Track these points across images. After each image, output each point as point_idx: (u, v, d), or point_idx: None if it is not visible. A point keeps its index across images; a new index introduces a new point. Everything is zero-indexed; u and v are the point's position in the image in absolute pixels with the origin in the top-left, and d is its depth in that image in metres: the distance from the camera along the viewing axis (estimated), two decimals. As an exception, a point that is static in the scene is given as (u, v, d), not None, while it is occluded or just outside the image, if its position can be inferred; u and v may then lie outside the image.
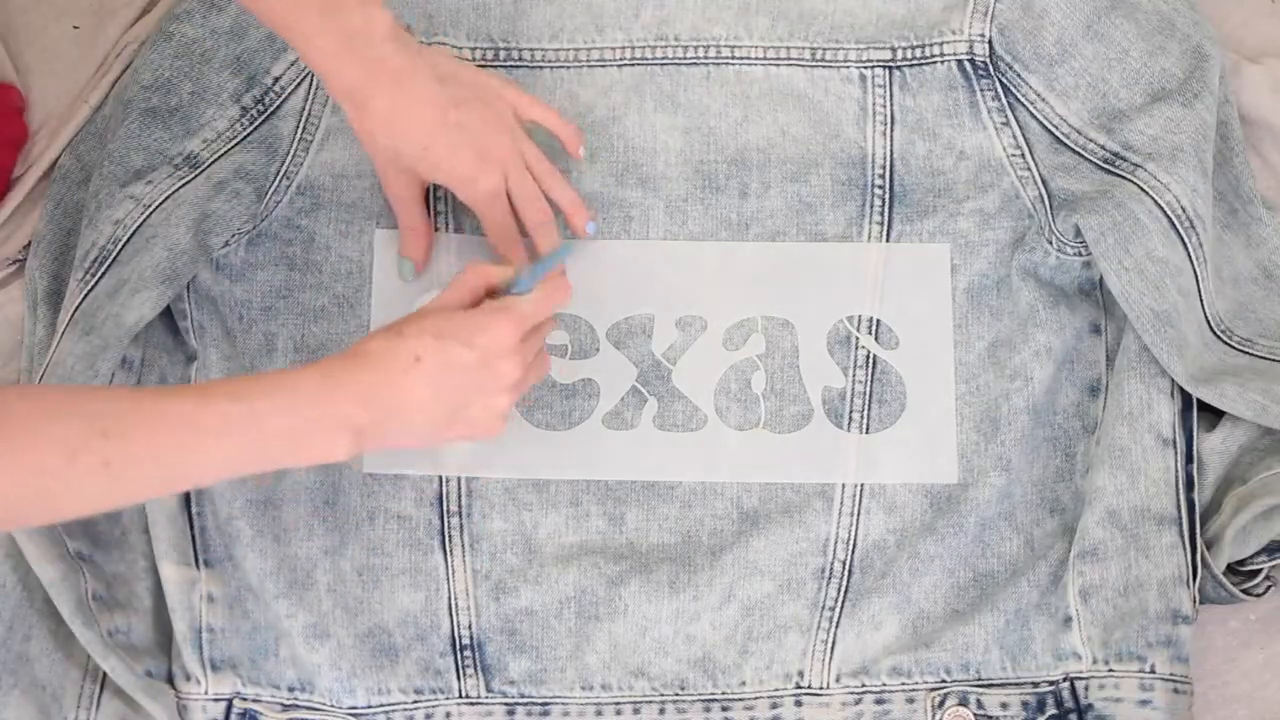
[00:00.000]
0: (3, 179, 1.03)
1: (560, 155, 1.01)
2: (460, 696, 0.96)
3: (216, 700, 0.95)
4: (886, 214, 1.02)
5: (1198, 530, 0.95)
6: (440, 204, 1.02)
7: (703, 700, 0.96)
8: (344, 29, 0.89)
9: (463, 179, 0.96)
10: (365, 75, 0.91)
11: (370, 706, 0.95)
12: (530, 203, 0.98)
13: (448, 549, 0.97)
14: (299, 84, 1.03)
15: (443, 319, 0.86)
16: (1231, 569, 0.95)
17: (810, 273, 1.01)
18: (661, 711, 0.96)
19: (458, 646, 0.96)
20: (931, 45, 1.02)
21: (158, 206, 0.98)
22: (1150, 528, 0.95)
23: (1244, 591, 0.95)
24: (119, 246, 0.97)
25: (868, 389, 1.00)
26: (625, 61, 1.04)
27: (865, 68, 1.03)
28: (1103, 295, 1.01)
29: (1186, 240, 0.96)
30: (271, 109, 1.02)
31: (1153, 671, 0.93)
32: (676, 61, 1.04)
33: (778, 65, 1.03)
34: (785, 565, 0.97)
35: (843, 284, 1.01)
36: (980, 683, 0.95)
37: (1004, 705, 0.94)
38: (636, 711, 0.96)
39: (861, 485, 0.98)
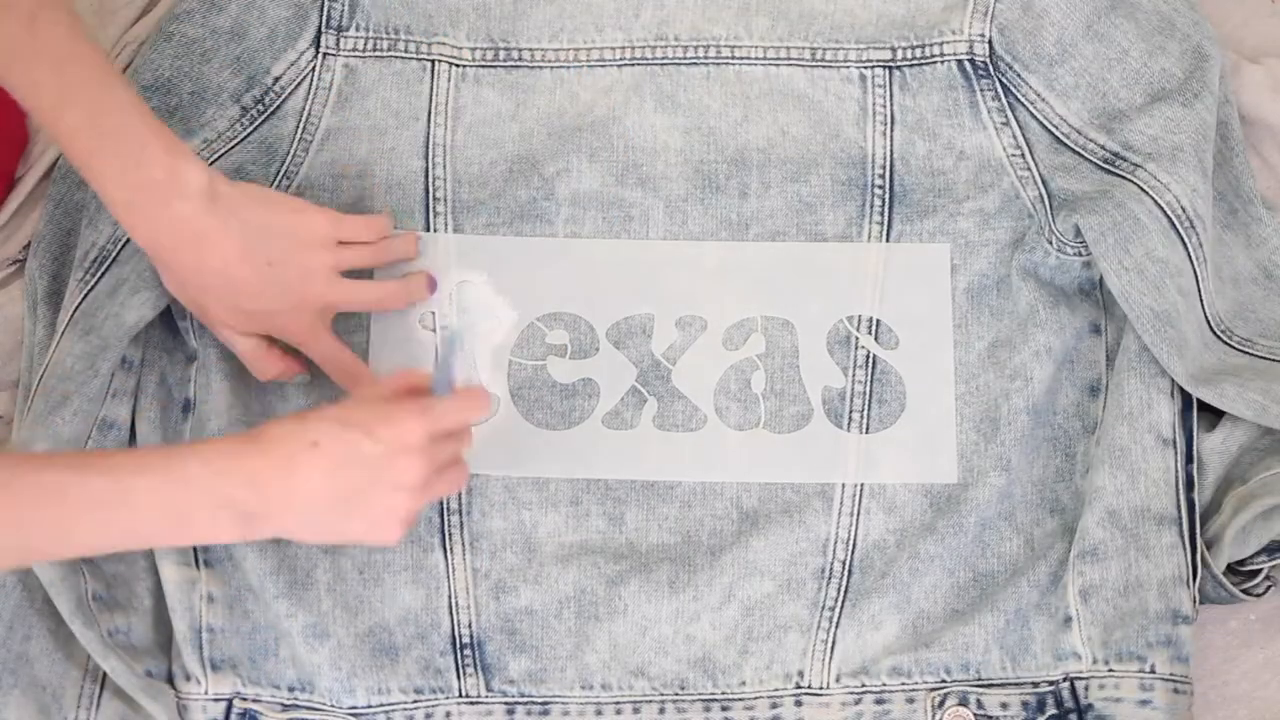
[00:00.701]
0: (5, 181, 1.03)
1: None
2: (460, 696, 0.96)
3: (216, 700, 0.95)
4: (886, 214, 1.02)
5: (1198, 530, 0.95)
6: (440, 204, 1.02)
7: (703, 700, 0.96)
8: (144, 183, 0.86)
9: (280, 329, 0.94)
10: (165, 234, 0.88)
11: (370, 706, 0.95)
12: (371, 303, 0.97)
13: (448, 548, 0.97)
14: (299, 84, 1.03)
15: (349, 408, 0.83)
16: (1231, 569, 0.95)
17: (810, 273, 1.01)
18: (661, 711, 0.96)
19: (458, 646, 0.96)
20: (931, 45, 1.02)
21: (158, 206, 0.98)
22: (1150, 528, 0.95)
23: (1244, 591, 0.95)
24: (119, 246, 0.97)
25: (868, 389, 1.00)
26: (625, 61, 1.04)
27: (865, 68, 1.03)
28: (1103, 295, 1.01)
29: (1186, 240, 0.96)
30: (271, 109, 1.02)
31: (1153, 671, 0.93)
32: (676, 61, 1.04)
33: (778, 65, 1.03)
34: (785, 565, 0.97)
35: (843, 284, 1.01)
36: (980, 683, 0.95)
37: (1004, 705, 0.94)
38: (636, 711, 0.96)
39: (861, 485, 0.98)
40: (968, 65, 1.02)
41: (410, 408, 0.83)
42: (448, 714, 0.96)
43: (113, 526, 0.78)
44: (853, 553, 0.97)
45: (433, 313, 1.01)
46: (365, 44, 1.04)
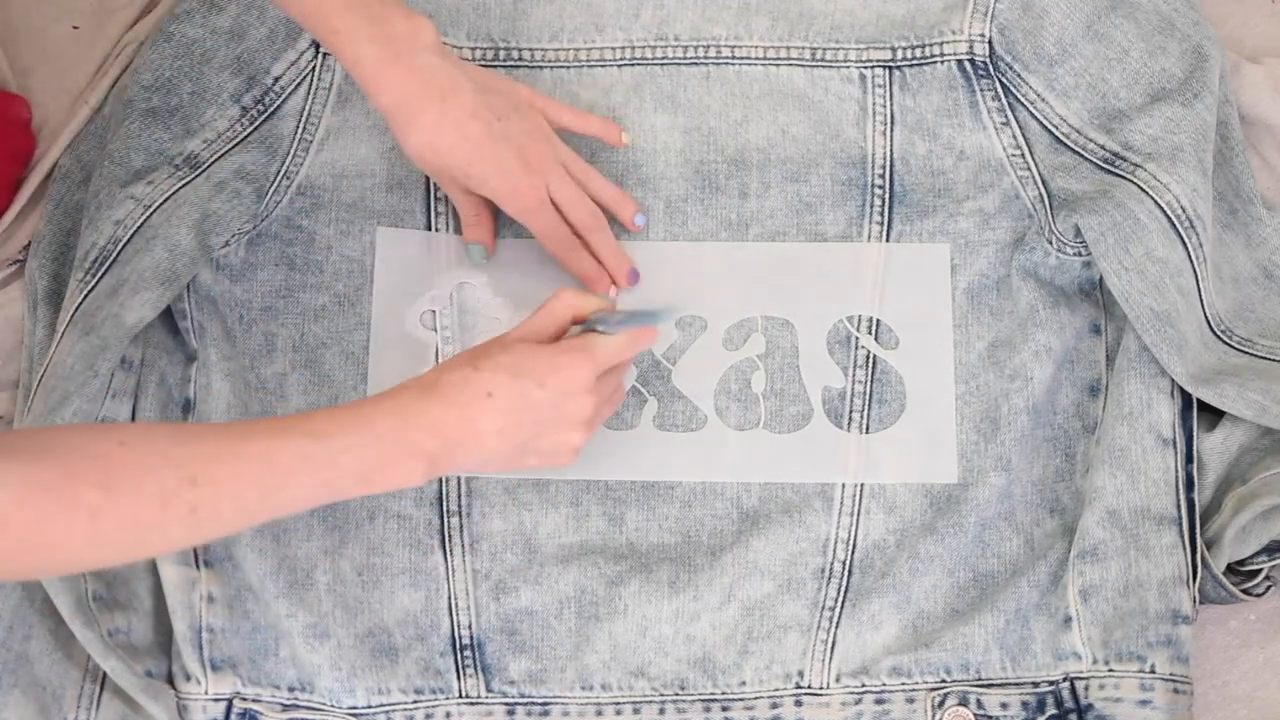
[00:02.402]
0: (9, 191, 1.03)
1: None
2: (460, 696, 0.96)
3: (216, 700, 0.95)
4: (886, 214, 1.02)
5: (1198, 530, 0.95)
6: (441, 204, 1.03)
7: (703, 700, 0.96)
8: (391, 38, 0.90)
9: (509, 193, 0.96)
10: (413, 88, 0.91)
11: (370, 706, 0.95)
12: (576, 206, 0.98)
13: (448, 549, 0.97)
14: (299, 84, 1.03)
15: (520, 354, 0.87)
16: (1231, 569, 0.95)
17: (810, 273, 1.01)
18: (661, 711, 0.96)
19: (458, 646, 0.96)
20: (931, 45, 1.02)
21: (158, 207, 0.98)
22: (1150, 528, 0.95)
23: (1244, 591, 0.95)
24: (119, 247, 0.97)
25: (867, 389, 1.00)
26: (625, 61, 1.04)
27: (865, 68, 1.03)
28: (1103, 295, 1.01)
29: (1186, 240, 0.96)
30: (272, 109, 1.02)
31: (1153, 671, 0.93)
32: (676, 61, 1.04)
33: (778, 65, 1.03)
34: (785, 565, 0.97)
35: (843, 284, 1.01)
36: (980, 683, 0.95)
37: (1004, 705, 0.94)
38: (636, 711, 0.96)
39: (861, 485, 0.98)
40: (968, 65, 1.02)
41: (577, 353, 0.87)
42: (448, 714, 0.96)
43: (317, 485, 0.81)
44: (853, 553, 0.97)
45: (433, 312, 1.01)
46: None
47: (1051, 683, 0.94)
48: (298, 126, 1.02)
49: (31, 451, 0.74)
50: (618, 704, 0.96)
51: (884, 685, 0.95)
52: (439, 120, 0.92)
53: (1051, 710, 0.94)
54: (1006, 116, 1.02)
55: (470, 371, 0.85)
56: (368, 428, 0.82)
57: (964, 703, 0.94)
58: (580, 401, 0.87)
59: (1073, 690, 0.94)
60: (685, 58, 1.04)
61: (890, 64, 1.03)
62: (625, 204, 1.01)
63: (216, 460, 0.78)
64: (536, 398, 0.86)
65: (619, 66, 1.04)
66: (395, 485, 0.84)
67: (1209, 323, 0.98)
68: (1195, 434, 0.96)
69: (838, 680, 0.95)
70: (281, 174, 1.02)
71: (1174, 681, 0.93)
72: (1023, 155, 1.02)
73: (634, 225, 1.01)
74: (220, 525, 0.79)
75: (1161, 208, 0.96)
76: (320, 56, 1.04)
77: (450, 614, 0.97)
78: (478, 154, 0.94)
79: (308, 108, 1.03)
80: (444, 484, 0.98)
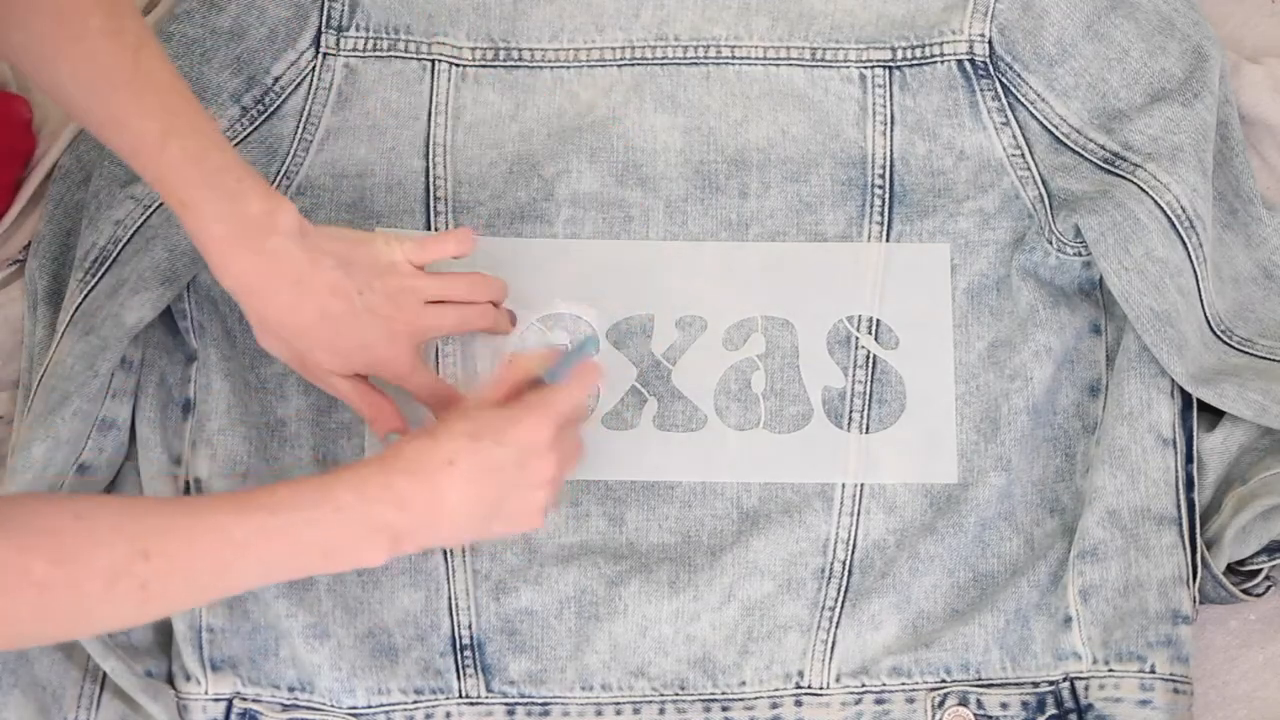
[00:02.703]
0: (9, 193, 1.03)
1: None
2: (460, 696, 0.96)
3: (216, 700, 0.95)
4: (886, 214, 1.02)
5: (1198, 530, 0.95)
6: (440, 204, 1.02)
7: (703, 700, 0.96)
8: (244, 216, 0.86)
9: (381, 364, 0.93)
10: (262, 272, 0.87)
11: (370, 706, 0.95)
12: (457, 324, 0.96)
13: (448, 550, 0.97)
14: (299, 84, 1.03)
15: (476, 418, 0.84)
16: (1231, 569, 0.95)
17: (810, 273, 1.01)
18: (661, 711, 0.96)
19: (458, 646, 0.96)
20: (931, 45, 1.02)
21: (158, 207, 0.98)
22: (1150, 528, 0.95)
23: (1244, 591, 0.95)
24: (119, 247, 0.97)
25: (867, 389, 1.00)
26: (625, 61, 1.04)
27: (865, 68, 1.03)
28: (1103, 295, 1.01)
29: (1186, 240, 0.96)
30: (271, 109, 1.02)
31: (1153, 671, 0.93)
32: (676, 61, 1.04)
33: (778, 65, 1.03)
34: (785, 565, 0.97)
35: (843, 284, 1.01)
36: (980, 683, 0.95)
37: (1004, 705, 0.94)
38: (636, 711, 0.96)
39: (861, 485, 0.98)
40: (968, 65, 1.02)
41: (533, 407, 0.86)
42: (448, 714, 0.96)
43: (274, 561, 0.79)
44: (853, 553, 0.97)
45: None
46: (365, 44, 1.04)
47: (1051, 683, 0.94)
48: (297, 127, 1.02)
49: None
50: (618, 704, 0.96)
51: (884, 685, 0.95)
52: (296, 303, 0.88)
53: (1051, 710, 0.94)
54: (1006, 116, 1.02)
55: (429, 442, 0.83)
56: (328, 500, 0.80)
57: (964, 703, 0.94)
58: (543, 459, 0.85)
59: (1073, 690, 0.94)
60: (685, 58, 1.04)
61: (890, 64, 1.03)
62: (494, 286, 0.98)
63: (170, 534, 0.76)
64: (498, 457, 0.83)
65: (619, 66, 1.04)
66: (358, 563, 0.81)
67: (1209, 323, 0.98)
68: (1195, 434, 0.97)
69: (838, 680, 0.95)
70: (281, 174, 1.02)
71: (1174, 681, 0.93)
72: (1023, 155, 1.02)
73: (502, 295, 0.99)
74: (172, 602, 0.78)
75: (1161, 208, 0.96)
76: (320, 56, 1.04)
77: (450, 614, 0.97)
78: (338, 332, 0.90)
79: (307, 108, 1.03)
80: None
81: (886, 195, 1.02)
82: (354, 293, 0.90)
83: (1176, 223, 0.96)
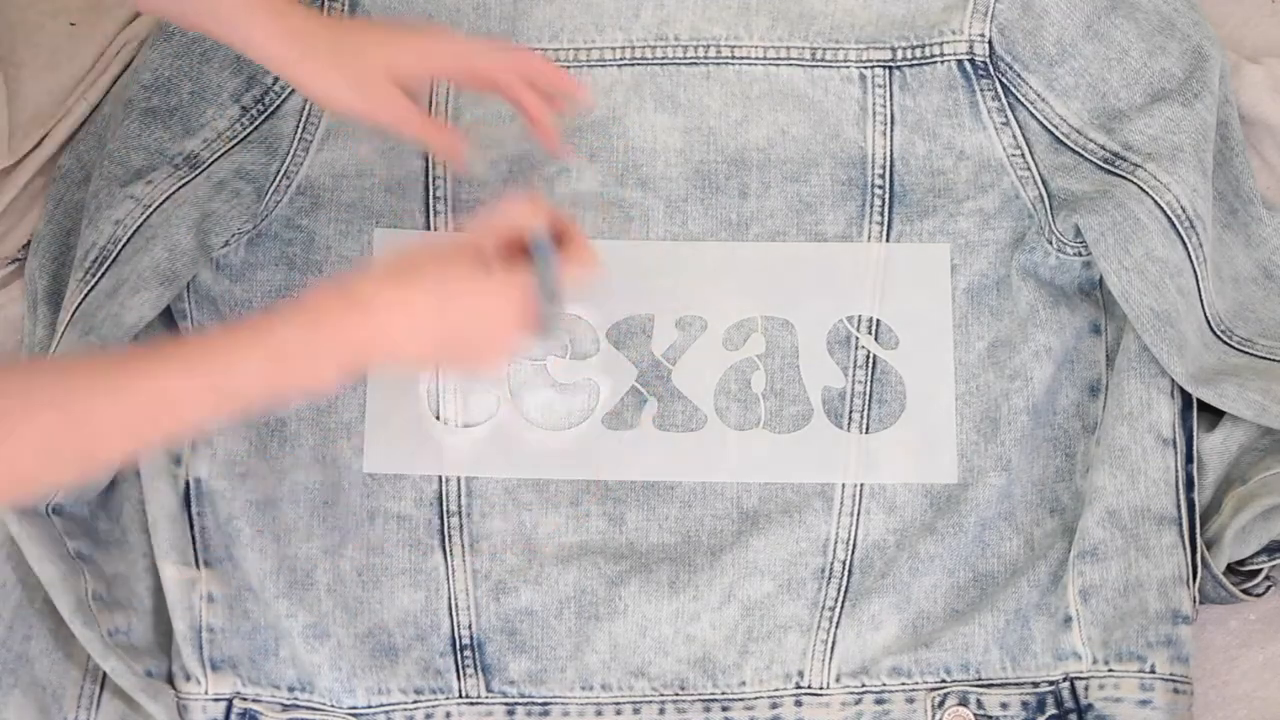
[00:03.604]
0: None
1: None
2: (460, 696, 0.96)
3: (216, 700, 0.95)
4: (886, 214, 1.02)
5: (1198, 530, 0.95)
6: (440, 204, 1.02)
7: (703, 700, 0.96)
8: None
9: (441, 36, 0.93)
10: (304, 23, 0.88)
11: (370, 706, 0.95)
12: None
13: (448, 549, 0.97)
14: (299, 84, 1.03)
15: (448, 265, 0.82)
16: (1231, 569, 0.95)
17: (810, 273, 1.01)
18: (661, 711, 0.96)
19: (458, 646, 0.96)
20: (931, 45, 1.02)
21: (158, 206, 0.98)
22: (1150, 528, 0.95)
23: (1244, 591, 0.95)
24: (119, 246, 0.96)
25: (867, 389, 1.00)
26: (625, 61, 1.04)
27: (865, 68, 1.03)
28: (1103, 295, 1.01)
29: (1186, 240, 0.96)
30: (271, 109, 1.02)
31: (1153, 671, 0.93)
32: (676, 61, 1.04)
33: (778, 65, 1.03)
34: (785, 565, 0.97)
35: (843, 284, 1.01)
36: (980, 683, 0.95)
37: (1004, 705, 0.94)
38: (636, 711, 0.96)
39: (861, 485, 0.98)
40: (968, 65, 1.02)
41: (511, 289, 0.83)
42: (448, 714, 0.96)
43: (219, 407, 0.78)
44: (853, 553, 0.97)
45: None
46: None
47: (1051, 683, 0.94)
48: (297, 126, 1.02)
49: None
50: (618, 704, 0.96)
51: (884, 685, 0.95)
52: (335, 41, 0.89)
53: (1051, 710, 0.94)
54: (1006, 116, 1.02)
55: (393, 290, 0.81)
56: (272, 348, 0.78)
57: (964, 703, 0.94)
58: (510, 289, 0.82)
59: (1073, 690, 0.94)
60: (685, 58, 1.04)
61: (890, 64, 1.03)
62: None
63: (104, 396, 0.75)
64: (479, 283, 0.81)
65: (619, 66, 1.04)
66: (310, 392, 0.80)
67: (1209, 323, 0.98)
68: (1195, 434, 0.97)
69: (838, 680, 0.95)
70: (281, 174, 1.02)
71: (1174, 681, 0.93)
72: (1023, 155, 1.02)
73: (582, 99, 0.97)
74: (110, 459, 0.78)
75: (1161, 208, 0.96)
76: (320, 56, 1.03)
77: (450, 614, 0.97)
78: (350, 37, 0.90)
79: (307, 107, 1.03)
80: (444, 484, 0.98)
81: (886, 195, 1.02)
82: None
83: (1176, 223, 0.96)
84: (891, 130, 1.02)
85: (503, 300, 0.82)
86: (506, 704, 0.96)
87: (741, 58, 1.04)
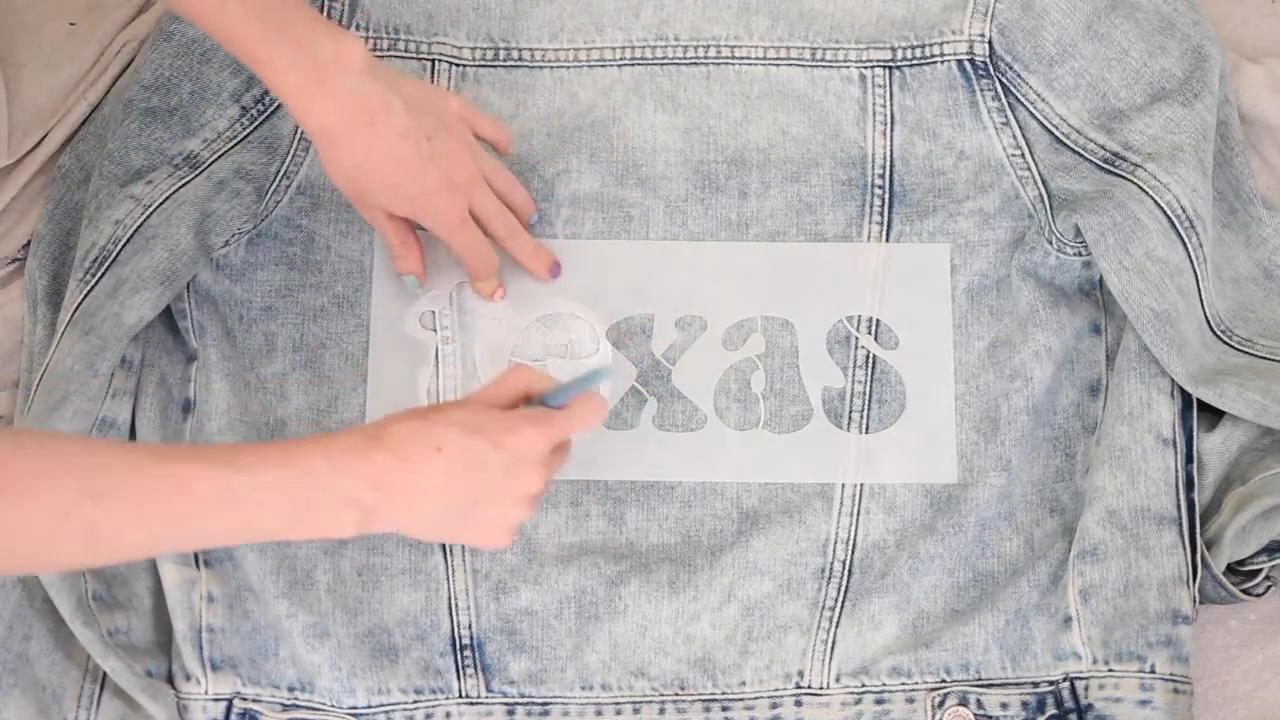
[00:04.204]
0: None
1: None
2: (460, 696, 0.96)
3: (216, 700, 0.95)
4: (886, 214, 1.02)
5: (1198, 530, 0.95)
6: (440, 204, 1.02)
7: (703, 700, 0.96)
8: (317, 62, 0.87)
9: (434, 212, 0.94)
10: (342, 113, 0.88)
11: (370, 706, 0.95)
12: (496, 219, 0.97)
13: (447, 549, 0.97)
14: (299, 84, 1.03)
15: (474, 414, 0.83)
16: (1231, 569, 0.95)
17: (810, 273, 1.01)
18: (661, 711, 0.96)
19: (458, 646, 0.96)
20: (931, 45, 1.02)
21: (158, 206, 0.98)
22: (1150, 528, 0.95)
23: (1244, 591, 0.95)
24: (119, 246, 0.96)
25: (867, 389, 1.00)
26: (625, 61, 1.04)
27: (865, 68, 1.03)
28: (1103, 295, 1.01)
29: (1186, 240, 0.96)
30: (271, 109, 1.02)
31: (1153, 671, 0.93)
32: (676, 61, 1.04)
33: (778, 65, 1.03)
34: (785, 565, 0.97)
35: (842, 284, 1.01)
36: (980, 683, 0.95)
37: (1004, 705, 0.94)
38: (636, 711, 0.96)
39: (861, 485, 0.98)
40: (968, 65, 1.02)
41: (534, 419, 0.84)
42: (448, 714, 0.96)
43: (236, 520, 0.77)
44: (853, 553, 0.97)
45: (433, 312, 1.01)
46: (365, 43, 1.04)
47: (1051, 683, 0.94)
48: (297, 126, 1.02)
49: None
50: (618, 704, 0.96)
51: (884, 685, 0.95)
52: (370, 144, 0.90)
53: (1051, 710, 0.94)
54: (1006, 116, 1.02)
55: (421, 424, 0.81)
56: (296, 464, 0.78)
57: (964, 703, 0.94)
58: (533, 473, 0.83)
59: (1073, 690, 0.94)
60: (685, 58, 1.04)
61: (890, 64, 1.03)
62: (530, 207, 1.00)
63: (126, 477, 0.74)
64: (489, 459, 0.81)
65: (619, 66, 1.04)
66: (323, 533, 0.79)
67: (1209, 323, 0.98)
68: (1195, 434, 0.97)
69: (838, 680, 0.95)
70: (281, 174, 1.02)
71: (1174, 681, 0.93)
72: (1023, 155, 1.02)
73: (528, 224, 1.01)
74: (121, 549, 0.75)
75: (1161, 208, 0.96)
76: (320, 56, 1.03)
77: (450, 614, 0.97)
78: (405, 174, 0.92)
79: (307, 107, 1.03)
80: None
81: (886, 195, 1.02)
82: (423, 138, 0.92)
83: (1176, 223, 0.96)
84: (891, 130, 1.02)
85: (537, 441, 0.83)
86: (506, 704, 0.96)
87: (741, 58, 1.04)
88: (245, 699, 0.95)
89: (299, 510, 0.78)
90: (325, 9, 1.03)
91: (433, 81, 1.04)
